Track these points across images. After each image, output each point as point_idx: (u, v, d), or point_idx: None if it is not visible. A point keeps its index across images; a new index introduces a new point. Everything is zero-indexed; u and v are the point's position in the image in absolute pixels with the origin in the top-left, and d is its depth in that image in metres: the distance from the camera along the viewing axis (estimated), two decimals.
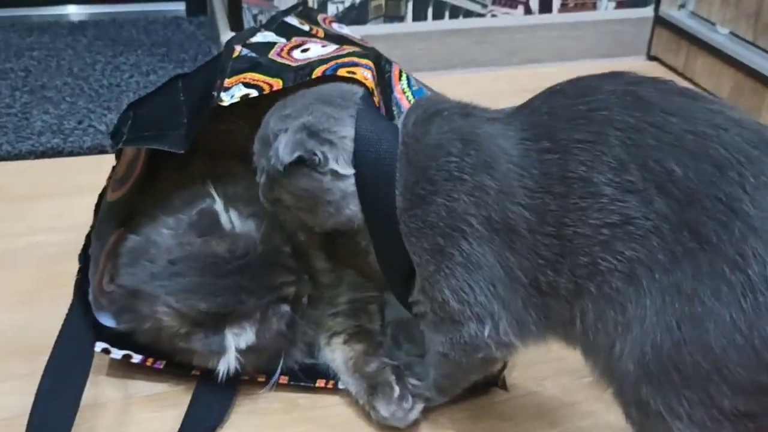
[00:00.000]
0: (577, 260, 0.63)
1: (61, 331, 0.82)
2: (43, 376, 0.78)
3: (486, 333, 0.70)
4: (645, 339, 0.60)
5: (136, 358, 0.86)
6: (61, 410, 0.76)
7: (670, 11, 1.77)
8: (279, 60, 0.86)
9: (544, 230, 0.64)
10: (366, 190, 0.73)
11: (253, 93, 0.80)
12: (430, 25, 1.69)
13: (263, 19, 1.55)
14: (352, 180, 0.73)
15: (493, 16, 1.73)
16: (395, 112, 0.81)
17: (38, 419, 0.75)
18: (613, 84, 0.64)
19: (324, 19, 1.15)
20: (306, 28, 1.03)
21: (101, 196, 0.86)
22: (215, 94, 0.81)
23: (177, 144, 0.79)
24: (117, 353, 0.85)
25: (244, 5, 1.57)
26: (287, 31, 0.98)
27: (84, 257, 0.85)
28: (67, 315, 0.84)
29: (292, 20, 1.04)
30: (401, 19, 1.68)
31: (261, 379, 0.86)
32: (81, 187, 1.25)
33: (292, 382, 0.87)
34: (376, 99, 0.77)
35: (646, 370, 0.60)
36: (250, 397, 0.87)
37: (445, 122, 0.71)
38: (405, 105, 0.82)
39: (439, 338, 0.74)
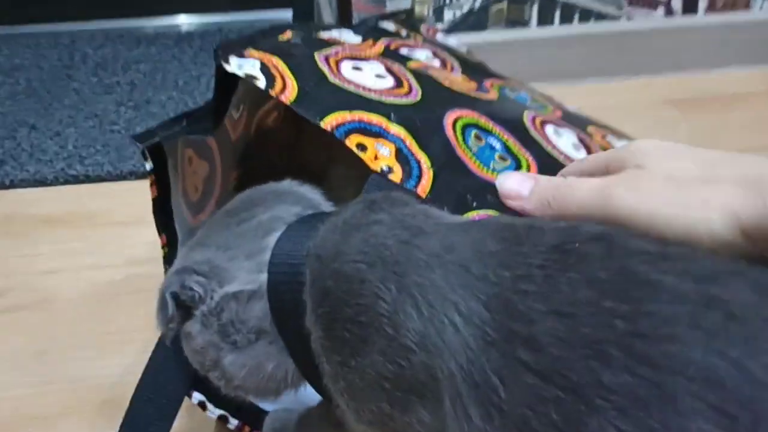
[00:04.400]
0: None
1: (144, 375, 0.63)
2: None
3: None
4: None
5: (233, 423, 0.74)
6: None
7: None
8: (319, 64, 0.72)
9: None
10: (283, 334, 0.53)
11: (261, 83, 0.65)
12: (557, 30, 1.53)
13: None
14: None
15: (629, 18, 1.55)
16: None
17: None
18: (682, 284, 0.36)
19: (428, 30, 1.02)
20: (403, 33, 0.92)
21: (155, 203, 0.70)
22: (219, 51, 0.67)
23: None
24: (214, 411, 0.74)
25: (354, 12, 1.47)
26: (373, 33, 0.87)
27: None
28: (152, 356, 0.64)
29: (387, 25, 0.94)
30: (525, 23, 1.53)
31: None
32: None
33: None
34: (396, 175, 0.60)
35: None
36: None
37: (371, 246, 0.47)
38: (470, 165, 0.66)
39: None
